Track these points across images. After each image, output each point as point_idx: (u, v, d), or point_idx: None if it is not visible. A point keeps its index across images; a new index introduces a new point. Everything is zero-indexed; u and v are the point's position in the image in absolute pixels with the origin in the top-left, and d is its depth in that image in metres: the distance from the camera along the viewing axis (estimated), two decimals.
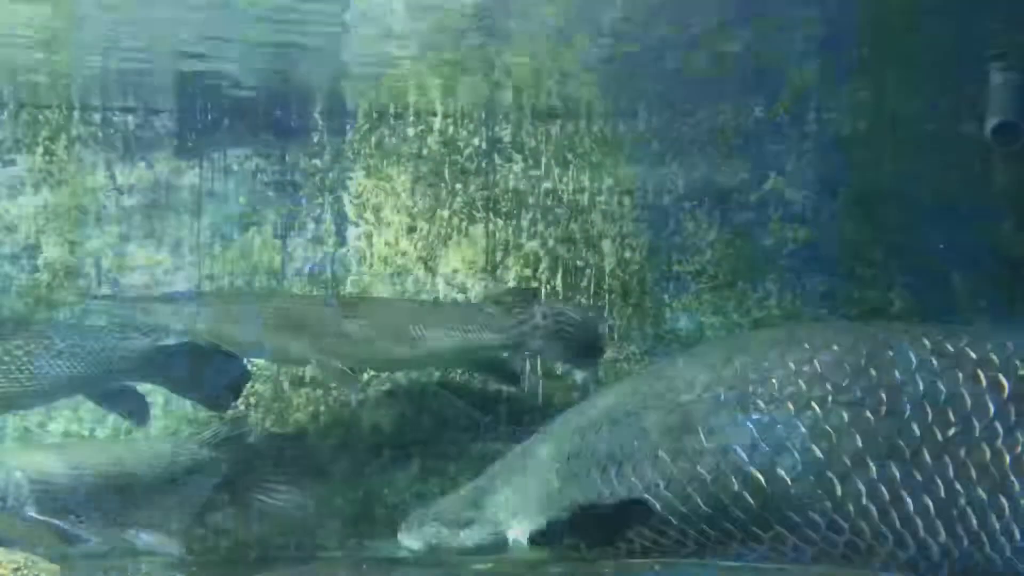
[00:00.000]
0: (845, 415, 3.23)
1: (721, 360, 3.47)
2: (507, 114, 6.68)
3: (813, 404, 3.27)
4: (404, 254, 6.63)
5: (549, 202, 6.69)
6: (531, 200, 6.69)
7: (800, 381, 3.31)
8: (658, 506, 3.46)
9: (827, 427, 3.24)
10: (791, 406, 3.29)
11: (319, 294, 6.50)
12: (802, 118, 6.63)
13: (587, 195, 6.69)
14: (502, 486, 3.96)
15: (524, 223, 6.68)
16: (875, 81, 6.29)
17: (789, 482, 3.26)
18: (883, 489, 3.18)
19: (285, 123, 6.67)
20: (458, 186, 6.68)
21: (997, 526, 3.09)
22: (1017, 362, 3.13)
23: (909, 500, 3.15)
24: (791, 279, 6.63)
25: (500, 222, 6.68)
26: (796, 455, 3.25)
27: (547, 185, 6.69)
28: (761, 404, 3.32)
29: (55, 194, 6.52)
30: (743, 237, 6.64)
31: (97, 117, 6.56)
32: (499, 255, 6.65)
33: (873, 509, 3.20)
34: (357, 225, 6.64)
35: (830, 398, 3.26)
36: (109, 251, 6.53)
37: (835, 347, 3.33)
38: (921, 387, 3.18)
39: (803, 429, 3.26)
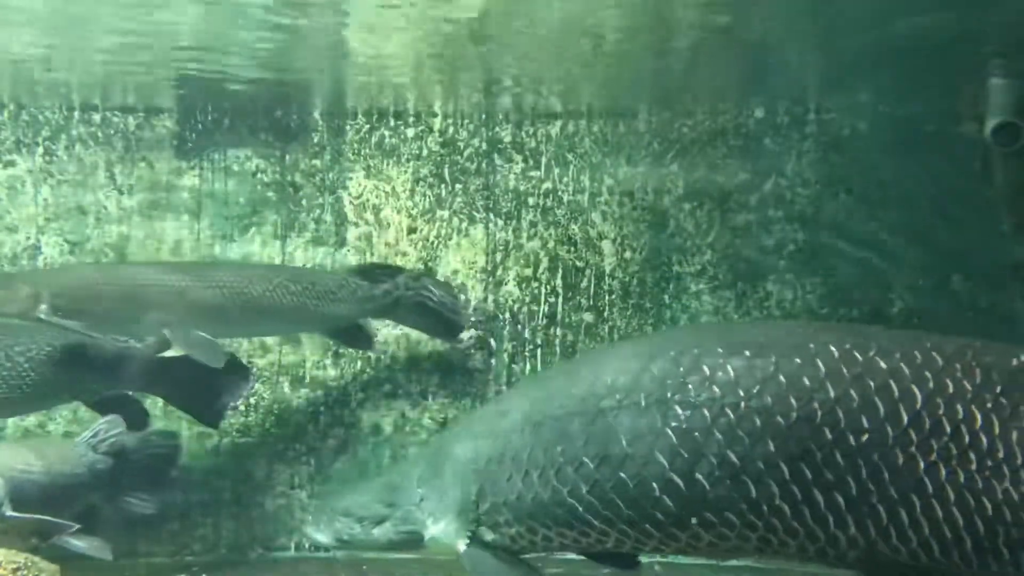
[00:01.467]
0: (757, 420, 3.35)
1: (640, 365, 3.57)
2: (507, 114, 6.68)
3: (727, 410, 3.39)
4: (404, 255, 6.63)
5: (549, 203, 6.69)
6: (531, 201, 6.69)
7: (715, 387, 3.43)
8: (580, 509, 3.57)
9: (740, 432, 3.36)
10: (707, 412, 3.41)
11: (172, 261, 6.38)
12: (802, 118, 6.63)
13: (587, 195, 6.69)
14: (417, 485, 4.01)
15: (524, 224, 6.68)
16: (874, 82, 6.29)
17: (707, 486, 3.39)
18: (795, 489, 3.32)
19: (285, 124, 6.67)
20: (458, 187, 6.68)
21: (906, 521, 3.25)
22: (927, 373, 3.28)
23: (820, 499, 3.30)
24: (791, 280, 6.63)
25: (500, 223, 6.68)
26: (712, 460, 3.38)
27: (547, 186, 6.69)
28: (679, 410, 3.44)
29: (55, 194, 6.52)
30: (743, 237, 6.64)
31: (97, 117, 6.56)
32: (499, 256, 6.65)
33: (786, 508, 3.34)
34: (357, 226, 6.65)
35: (743, 404, 3.38)
36: (109, 251, 6.53)
37: (747, 352, 3.45)
38: (832, 394, 3.31)
39: (719, 435, 3.38)
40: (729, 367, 3.43)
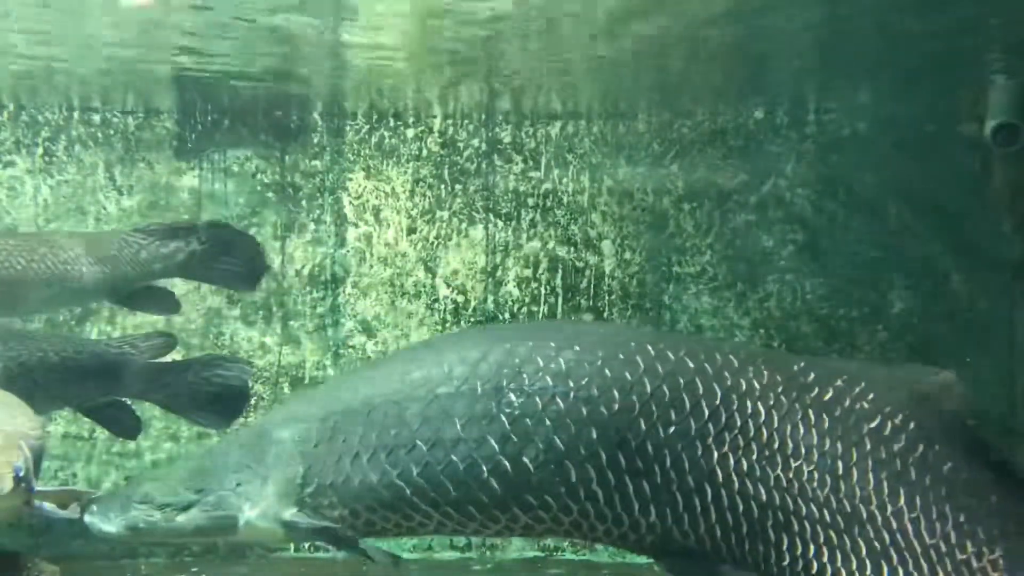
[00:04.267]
0: (584, 409, 3.59)
1: (477, 354, 3.76)
2: (507, 115, 6.68)
3: (557, 399, 3.61)
4: (404, 255, 6.63)
5: (549, 203, 6.69)
6: (531, 201, 6.69)
7: (547, 377, 3.64)
8: (408, 491, 3.70)
9: (567, 420, 3.59)
10: (538, 400, 3.62)
11: None
12: (801, 119, 6.63)
13: (587, 196, 6.69)
14: (234, 469, 3.98)
15: (524, 224, 6.68)
16: (874, 82, 6.29)
17: (532, 469, 3.59)
18: (610, 476, 3.57)
19: (285, 125, 6.67)
20: (458, 187, 6.68)
21: (698, 508, 3.54)
22: (725, 373, 3.59)
23: (631, 485, 3.57)
24: (791, 280, 6.63)
25: (500, 223, 6.68)
26: (540, 445, 3.60)
27: (547, 186, 6.70)
28: (512, 397, 3.64)
29: (55, 194, 6.52)
30: (743, 237, 6.64)
31: (97, 118, 6.57)
32: (499, 256, 6.65)
33: (599, 493, 3.58)
34: (357, 226, 6.65)
35: (572, 394, 3.60)
36: None
37: (577, 347, 3.69)
38: (648, 388, 3.59)
39: (547, 421, 3.60)
40: (561, 359, 3.66)
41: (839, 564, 3.48)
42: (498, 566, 6.33)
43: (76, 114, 6.55)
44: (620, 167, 6.70)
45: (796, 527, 3.51)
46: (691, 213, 6.67)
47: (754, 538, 3.54)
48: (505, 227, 6.68)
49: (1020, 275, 6.50)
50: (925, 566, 3.45)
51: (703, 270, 6.65)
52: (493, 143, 6.70)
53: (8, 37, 5.43)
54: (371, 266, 6.63)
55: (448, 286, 6.63)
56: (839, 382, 3.56)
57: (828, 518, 3.49)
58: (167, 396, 5.75)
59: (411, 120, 6.68)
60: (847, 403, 3.55)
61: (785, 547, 3.52)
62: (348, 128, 6.68)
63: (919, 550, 3.45)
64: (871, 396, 3.55)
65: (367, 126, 6.67)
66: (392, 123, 6.67)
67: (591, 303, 6.65)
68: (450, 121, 6.68)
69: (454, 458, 3.65)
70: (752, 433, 3.54)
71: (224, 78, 6.06)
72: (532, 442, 3.60)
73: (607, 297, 6.65)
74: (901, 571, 3.44)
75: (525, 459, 3.59)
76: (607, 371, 3.62)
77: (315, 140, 6.68)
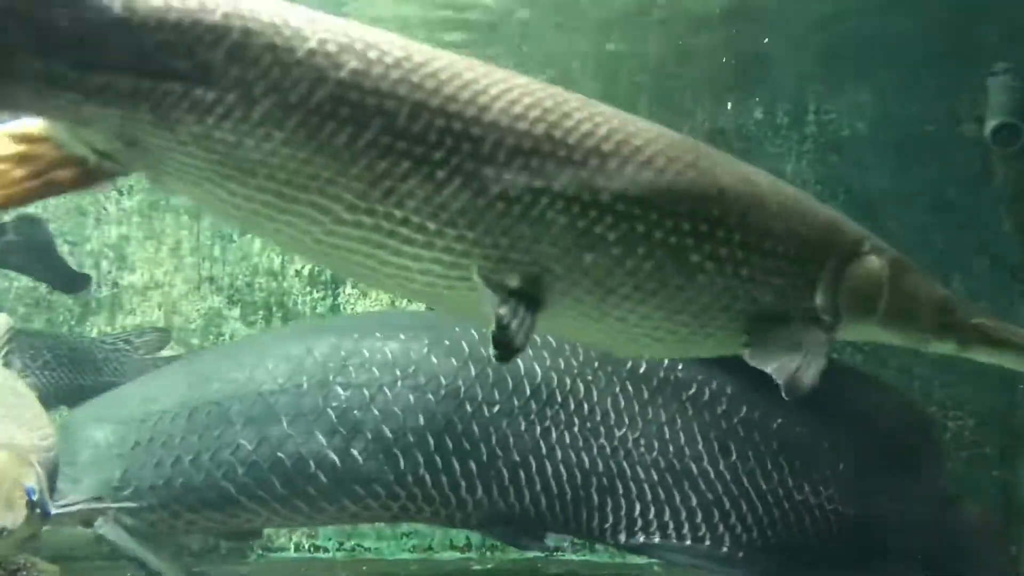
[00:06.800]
0: (411, 397, 3.69)
1: (302, 350, 3.79)
2: None
3: (385, 389, 3.70)
4: None
5: None
6: None
7: (374, 368, 3.72)
8: (233, 490, 3.74)
9: (396, 409, 3.69)
10: (366, 392, 3.70)
11: None
12: (801, 119, 6.62)
13: None
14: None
15: None
16: (874, 82, 6.29)
17: (360, 461, 3.68)
18: (437, 459, 3.70)
19: None
20: None
21: (523, 481, 3.71)
22: (544, 352, 3.75)
23: (457, 466, 3.70)
24: None
25: None
26: (368, 436, 3.68)
27: None
28: (340, 391, 3.71)
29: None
30: None
31: None
32: None
33: (427, 477, 3.71)
34: None
35: (399, 383, 3.70)
36: (109, 251, 6.52)
37: (402, 336, 3.78)
38: (473, 372, 3.73)
39: (376, 412, 3.69)
40: (387, 349, 3.75)
41: (667, 518, 3.73)
42: (498, 566, 6.31)
43: None
44: None
45: (621, 489, 3.73)
46: None
47: (578, 503, 3.73)
48: None
49: (1020, 275, 6.50)
50: (760, 507, 3.74)
51: None
52: None
53: None
54: None
55: None
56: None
57: (656, 478, 3.73)
58: None
59: None
60: (661, 374, 3.81)
61: (609, 509, 3.72)
62: None
63: (754, 495, 3.76)
64: (681, 366, 3.81)
65: None
66: None
67: None
68: None
69: (281, 455, 3.69)
70: (572, 407, 3.73)
71: None
72: (360, 433, 3.67)
73: None
74: (734, 515, 3.74)
75: (354, 451, 3.67)
76: (433, 358, 3.73)
77: None
